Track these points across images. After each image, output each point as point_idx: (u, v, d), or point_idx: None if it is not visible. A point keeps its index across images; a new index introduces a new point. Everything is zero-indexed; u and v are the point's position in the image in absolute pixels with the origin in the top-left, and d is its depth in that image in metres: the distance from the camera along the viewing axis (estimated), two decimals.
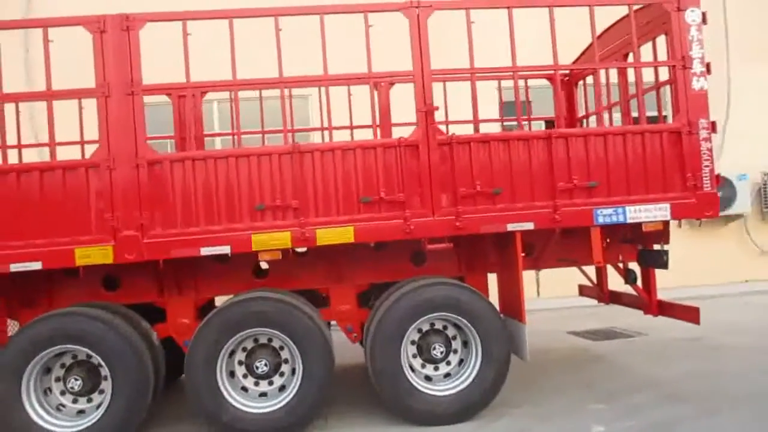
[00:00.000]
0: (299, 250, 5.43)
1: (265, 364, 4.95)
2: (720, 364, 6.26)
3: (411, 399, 4.97)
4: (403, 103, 5.69)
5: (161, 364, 5.14)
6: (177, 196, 4.81)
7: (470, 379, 5.06)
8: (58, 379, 4.91)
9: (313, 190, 4.93)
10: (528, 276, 6.47)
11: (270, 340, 5.05)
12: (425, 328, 5.22)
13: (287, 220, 4.89)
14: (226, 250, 4.83)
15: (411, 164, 5.01)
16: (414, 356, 5.20)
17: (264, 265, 5.50)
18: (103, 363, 4.74)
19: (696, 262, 10.70)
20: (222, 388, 4.84)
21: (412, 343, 5.21)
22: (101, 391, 4.88)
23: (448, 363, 5.23)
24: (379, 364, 4.96)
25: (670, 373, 6.00)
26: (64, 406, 4.90)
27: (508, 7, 5.11)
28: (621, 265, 6.13)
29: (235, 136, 6.83)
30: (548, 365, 6.59)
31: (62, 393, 4.90)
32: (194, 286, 5.44)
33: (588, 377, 6.05)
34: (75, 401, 4.91)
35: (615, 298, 6.71)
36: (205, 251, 4.81)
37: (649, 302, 6.06)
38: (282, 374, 5.06)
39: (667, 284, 10.47)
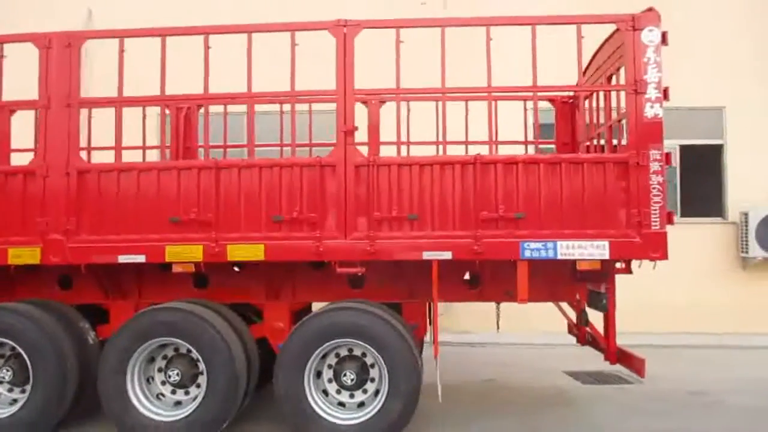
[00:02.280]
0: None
1: (177, 374, 5.04)
2: (700, 426, 5.56)
3: (311, 426, 4.86)
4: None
5: (92, 363, 5.37)
6: (102, 205, 5.04)
7: (375, 411, 4.86)
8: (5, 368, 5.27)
9: (229, 205, 4.98)
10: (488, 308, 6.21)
11: (189, 350, 5.14)
12: (343, 353, 5.10)
13: (201, 233, 4.97)
14: (141, 258, 5.00)
15: (329, 185, 4.94)
16: (330, 381, 5.08)
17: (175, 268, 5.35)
18: (25, 355, 5.04)
19: (754, 306, 9.65)
20: (130, 393, 4.97)
21: (329, 367, 5.10)
22: None
23: (365, 391, 5.07)
24: (282, 387, 4.89)
25: (630, 429, 5.42)
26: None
27: (441, 26, 4.89)
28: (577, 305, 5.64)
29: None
30: (504, 405, 6.17)
31: (5, 382, 5.27)
32: (137, 291, 5.65)
33: (535, 424, 5.59)
34: (10, 390, 5.27)
35: (591, 339, 6.17)
36: (123, 259, 5.00)
37: (606, 348, 5.51)
38: (199, 385, 5.13)
39: (718, 329, 9.57)
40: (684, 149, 10.27)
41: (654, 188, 4.75)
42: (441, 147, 6.61)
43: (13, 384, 5.23)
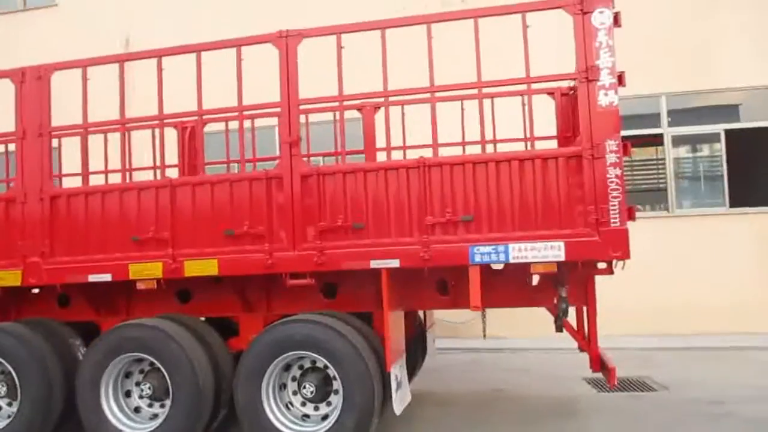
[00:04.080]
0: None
1: (149, 387, 5.17)
2: None
3: None
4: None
5: None
6: (72, 227, 5.29)
7: (330, 424, 4.78)
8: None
9: (184, 222, 5.07)
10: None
11: None
12: (306, 365, 5.06)
13: (160, 251, 5.09)
14: (107, 277, 5.18)
15: (276, 197, 4.93)
16: (294, 393, 5.06)
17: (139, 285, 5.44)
18: (11, 371, 5.36)
19: None
20: (105, 406, 5.15)
21: (293, 379, 5.08)
22: None
23: (329, 404, 5.00)
24: (240, 399, 4.91)
25: None
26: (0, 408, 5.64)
27: (380, 28, 4.77)
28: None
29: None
30: (502, 415, 5.88)
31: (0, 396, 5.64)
32: (126, 308, 5.87)
33: None
34: (10, 404, 5.61)
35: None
36: (92, 278, 5.21)
37: (589, 354, 5.14)
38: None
39: None
40: (730, 134, 9.46)
41: (612, 182, 4.37)
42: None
43: (10, 398, 5.57)
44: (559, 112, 6.82)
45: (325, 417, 4.98)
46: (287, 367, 5.05)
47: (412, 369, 6.56)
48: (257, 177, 4.98)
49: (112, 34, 11.32)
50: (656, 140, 9.84)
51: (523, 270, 5.12)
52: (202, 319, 5.83)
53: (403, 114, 6.90)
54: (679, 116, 9.65)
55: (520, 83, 4.75)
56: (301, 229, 4.85)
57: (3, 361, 5.39)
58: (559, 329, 5.16)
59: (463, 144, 6.90)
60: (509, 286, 5.23)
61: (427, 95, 4.79)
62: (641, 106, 9.78)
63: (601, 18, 4.44)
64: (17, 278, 5.35)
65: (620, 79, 4.44)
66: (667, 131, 9.66)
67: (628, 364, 7.91)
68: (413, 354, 6.50)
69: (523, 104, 6.72)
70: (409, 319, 6.21)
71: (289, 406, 5.04)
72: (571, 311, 5.50)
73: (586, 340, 5.21)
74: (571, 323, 5.55)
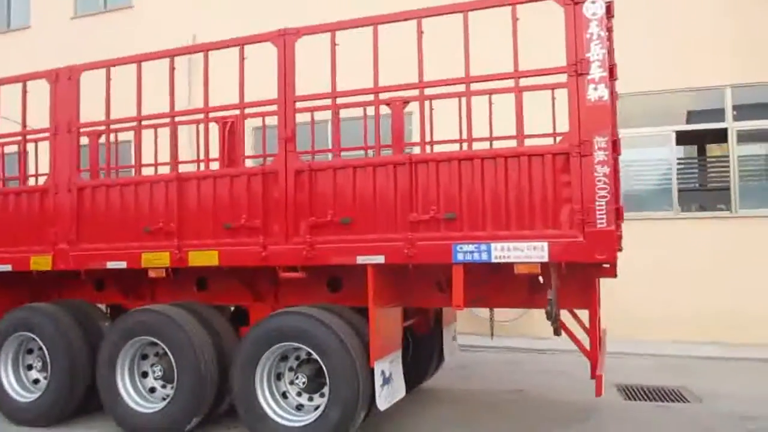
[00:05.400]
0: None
1: (160, 370, 5.49)
2: None
3: (260, 426, 4.99)
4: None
5: None
6: (95, 217, 5.66)
7: (317, 415, 4.86)
8: (37, 358, 6.16)
9: (190, 215, 5.31)
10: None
11: None
12: (302, 356, 5.17)
13: (168, 241, 5.35)
14: (123, 264, 5.51)
15: (272, 192, 5.05)
16: (291, 383, 5.19)
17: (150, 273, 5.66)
18: (43, 346, 5.82)
19: None
20: (119, 385, 5.49)
21: (290, 369, 5.21)
22: None
23: (322, 395, 5.09)
24: (236, 387, 5.09)
25: None
26: (38, 381, 6.14)
27: (373, 24, 4.77)
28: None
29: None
30: (510, 419, 5.75)
31: (38, 370, 6.14)
32: (150, 294, 6.23)
33: None
34: (46, 378, 6.11)
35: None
36: (110, 264, 5.56)
37: (589, 360, 4.92)
38: None
39: None
40: None
41: (600, 181, 4.16)
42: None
43: (45, 372, 6.04)
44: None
45: (317, 408, 5.07)
46: (284, 358, 5.19)
47: (426, 366, 6.55)
48: (255, 172, 5.13)
49: (181, 32, 11.87)
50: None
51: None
52: (232, 308, 6.12)
53: (431, 109, 6.83)
54: (745, 111, 8.95)
55: (509, 78, 4.57)
56: (294, 224, 4.95)
57: (36, 337, 5.87)
58: (556, 333, 4.96)
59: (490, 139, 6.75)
60: (507, 286, 5.10)
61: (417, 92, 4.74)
62: (704, 99, 9.17)
63: (593, 8, 4.23)
64: (48, 263, 5.80)
65: (612, 72, 4.22)
66: (732, 126, 8.98)
67: (668, 373, 7.51)
68: (427, 351, 6.48)
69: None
70: (424, 316, 6.19)
71: (286, 395, 5.17)
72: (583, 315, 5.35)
73: (586, 346, 4.98)
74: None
